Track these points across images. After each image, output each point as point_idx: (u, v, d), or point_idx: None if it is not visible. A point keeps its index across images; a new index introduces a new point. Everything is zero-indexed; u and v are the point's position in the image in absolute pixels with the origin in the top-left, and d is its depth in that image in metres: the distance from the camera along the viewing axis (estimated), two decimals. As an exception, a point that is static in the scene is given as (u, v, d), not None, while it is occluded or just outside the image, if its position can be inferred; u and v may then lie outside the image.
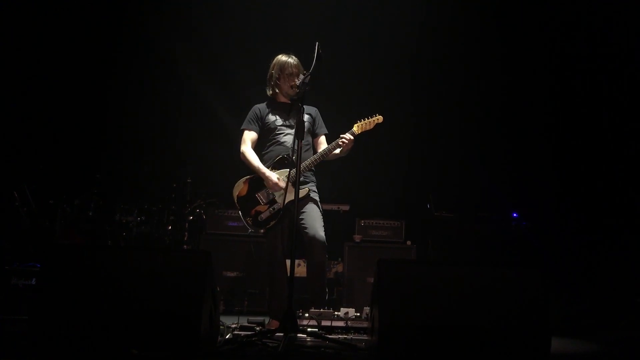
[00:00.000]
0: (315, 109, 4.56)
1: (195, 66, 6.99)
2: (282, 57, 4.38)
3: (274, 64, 4.40)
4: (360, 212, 6.06)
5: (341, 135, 4.18)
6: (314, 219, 4.17)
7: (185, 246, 5.99)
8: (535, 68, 6.78)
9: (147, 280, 2.91)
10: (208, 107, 6.97)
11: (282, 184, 4.15)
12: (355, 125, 4.24)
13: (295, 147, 4.17)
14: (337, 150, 4.23)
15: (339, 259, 5.80)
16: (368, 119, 4.26)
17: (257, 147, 4.47)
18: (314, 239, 4.10)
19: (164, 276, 2.91)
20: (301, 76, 3.94)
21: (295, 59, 4.38)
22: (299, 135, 3.67)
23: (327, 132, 4.52)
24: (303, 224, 4.14)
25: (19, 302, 4.05)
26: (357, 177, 6.73)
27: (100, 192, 6.08)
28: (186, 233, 6.05)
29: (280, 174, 4.22)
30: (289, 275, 3.43)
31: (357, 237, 5.78)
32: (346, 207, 6.07)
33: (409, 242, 5.80)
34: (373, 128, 4.27)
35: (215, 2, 6.69)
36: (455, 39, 6.75)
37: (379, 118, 4.28)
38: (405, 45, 6.76)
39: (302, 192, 4.18)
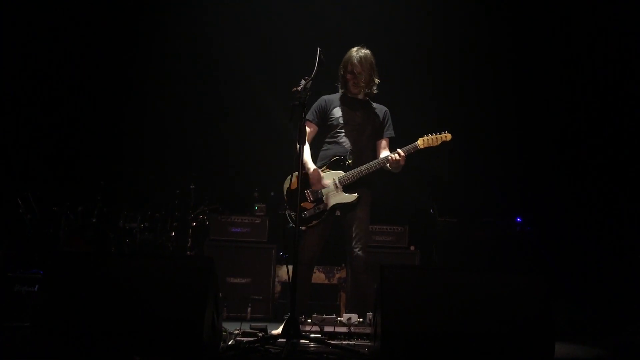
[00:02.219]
0: (385, 109, 4.39)
1: (199, 73, 7.02)
2: (349, 52, 4.23)
3: (343, 59, 4.26)
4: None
5: (398, 150, 4.07)
6: (356, 237, 4.12)
7: (188, 252, 5.99)
8: (541, 72, 6.77)
9: (150, 287, 2.90)
10: (211, 114, 6.99)
11: (327, 182, 4.11)
12: (420, 139, 4.10)
13: (354, 149, 4.17)
14: (388, 165, 4.12)
15: (343, 265, 5.78)
16: (435, 134, 4.11)
17: (317, 141, 4.34)
18: (352, 257, 4.12)
19: (166, 283, 2.91)
20: (302, 81, 3.93)
21: (363, 53, 4.20)
22: (300, 141, 3.64)
23: (393, 135, 4.35)
24: (346, 237, 4.16)
25: (21, 309, 4.05)
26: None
27: (103, 199, 6.10)
28: (190, 239, 6.06)
29: (332, 175, 4.14)
30: (291, 280, 3.42)
31: (361, 243, 5.75)
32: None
33: (412, 248, 5.78)
34: (439, 145, 4.13)
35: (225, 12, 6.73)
36: (461, 40, 6.76)
37: (447, 136, 4.12)
38: (410, 48, 6.78)
39: (350, 199, 4.12)
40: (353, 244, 4.12)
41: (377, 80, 4.28)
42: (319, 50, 3.67)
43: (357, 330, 3.74)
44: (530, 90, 6.81)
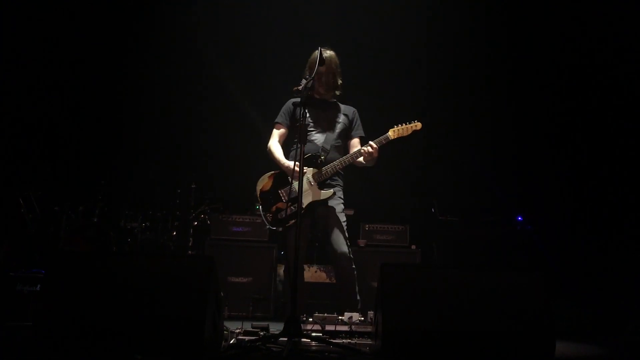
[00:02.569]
0: (353, 109, 4.43)
1: (203, 74, 7.02)
2: (314, 54, 4.20)
3: (309, 60, 4.27)
4: (365, 216, 6.05)
5: (370, 142, 4.08)
6: (337, 233, 4.11)
7: (189, 252, 6.00)
8: (541, 71, 6.77)
9: (151, 286, 2.90)
10: (212, 113, 7.00)
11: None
12: (391, 130, 4.12)
13: (326, 147, 4.18)
14: (361, 159, 4.14)
15: (344, 264, 5.78)
16: (405, 124, 4.14)
17: (287, 143, 4.40)
18: (338, 255, 4.09)
19: (167, 282, 2.91)
20: (303, 81, 3.92)
21: (327, 54, 4.19)
22: (301, 140, 3.64)
23: (363, 134, 4.38)
24: (327, 235, 4.13)
25: (23, 308, 4.06)
26: (362, 181, 6.72)
27: (105, 199, 6.10)
28: (191, 238, 6.07)
29: (306, 173, 4.14)
30: (292, 280, 3.42)
31: (362, 242, 5.77)
32: (350, 212, 6.03)
33: (413, 247, 5.78)
34: (410, 134, 4.14)
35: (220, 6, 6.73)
36: (461, 42, 6.76)
37: (417, 125, 4.14)
38: (410, 49, 6.78)
39: (327, 195, 4.14)
40: (339, 244, 4.10)
41: (340, 81, 4.30)
42: (320, 50, 3.67)
43: (359, 329, 3.75)
44: (530, 89, 6.80)
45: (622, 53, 6.30)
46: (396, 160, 6.90)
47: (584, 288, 5.81)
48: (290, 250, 4.11)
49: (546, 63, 6.74)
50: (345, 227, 4.20)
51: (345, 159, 4.14)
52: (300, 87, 3.80)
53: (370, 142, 4.09)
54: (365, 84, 6.81)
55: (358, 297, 4.16)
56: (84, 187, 6.23)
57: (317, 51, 4.21)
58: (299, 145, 3.71)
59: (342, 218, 4.21)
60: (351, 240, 5.74)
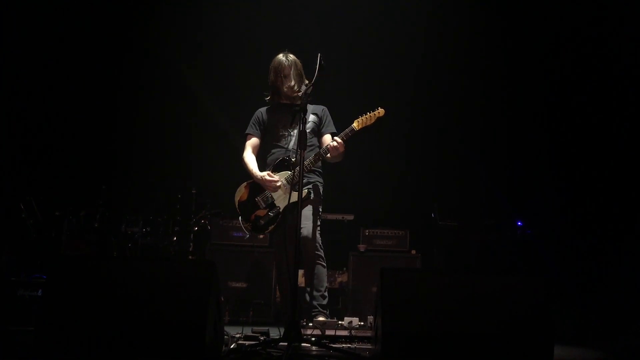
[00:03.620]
0: (323, 107, 4.45)
1: (202, 78, 7.04)
2: (276, 58, 4.30)
3: (270, 66, 4.33)
4: (365, 221, 6.06)
5: (335, 137, 4.10)
6: (305, 219, 4.11)
7: (190, 257, 6.01)
8: (542, 73, 6.76)
9: (152, 291, 2.92)
10: (212, 118, 7.01)
11: (277, 182, 4.14)
12: (356, 121, 4.10)
13: (296, 149, 4.18)
14: (328, 155, 4.14)
15: (344, 269, 5.80)
16: (369, 113, 4.10)
17: (261, 150, 4.45)
18: (303, 238, 4.06)
19: (168, 286, 2.93)
20: (303, 87, 3.94)
21: (291, 58, 4.28)
22: (301, 146, 3.66)
23: (334, 130, 4.37)
24: (297, 223, 4.14)
25: (25, 314, 4.08)
26: (361, 186, 6.74)
27: (105, 204, 6.12)
28: (191, 244, 6.08)
29: (279, 177, 4.18)
30: (292, 285, 3.44)
31: (362, 247, 5.78)
32: (350, 217, 6.08)
33: (413, 251, 5.79)
34: (374, 122, 4.10)
35: (223, 16, 6.74)
36: (459, 44, 6.76)
37: (380, 112, 4.10)
38: (408, 51, 6.79)
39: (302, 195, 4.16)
40: (301, 227, 3.98)
41: (306, 81, 4.29)
42: (319, 56, 3.68)
43: (358, 334, 3.77)
44: (531, 89, 6.80)
45: (622, 53, 6.29)
46: (396, 164, 6.94)
47: (584, 292, 5.81)
48: (280, 258, 4.13)
49: (547, 60, 6.71)
50: (317, 217, 4.19)
51: (313, 158, 4.14)
52: (300, 93, 3.81)
53: (335, 137, 4.09)
54: (364, 84, 6.83)
55: (325, 294, 4.16)
56: (85, 192, 6.24)
57: (281, 55, 4.29)
58: (298, 151, 3.72)
59: (316, 208, 4.21)
60: (351, 245, 5.83)
